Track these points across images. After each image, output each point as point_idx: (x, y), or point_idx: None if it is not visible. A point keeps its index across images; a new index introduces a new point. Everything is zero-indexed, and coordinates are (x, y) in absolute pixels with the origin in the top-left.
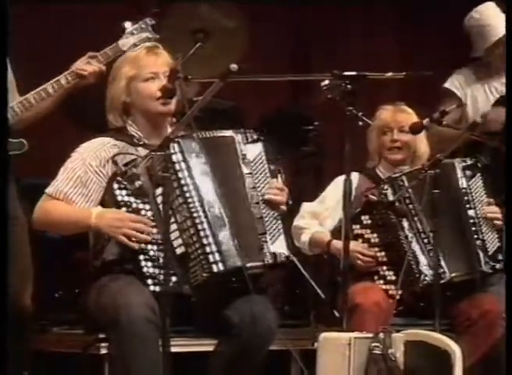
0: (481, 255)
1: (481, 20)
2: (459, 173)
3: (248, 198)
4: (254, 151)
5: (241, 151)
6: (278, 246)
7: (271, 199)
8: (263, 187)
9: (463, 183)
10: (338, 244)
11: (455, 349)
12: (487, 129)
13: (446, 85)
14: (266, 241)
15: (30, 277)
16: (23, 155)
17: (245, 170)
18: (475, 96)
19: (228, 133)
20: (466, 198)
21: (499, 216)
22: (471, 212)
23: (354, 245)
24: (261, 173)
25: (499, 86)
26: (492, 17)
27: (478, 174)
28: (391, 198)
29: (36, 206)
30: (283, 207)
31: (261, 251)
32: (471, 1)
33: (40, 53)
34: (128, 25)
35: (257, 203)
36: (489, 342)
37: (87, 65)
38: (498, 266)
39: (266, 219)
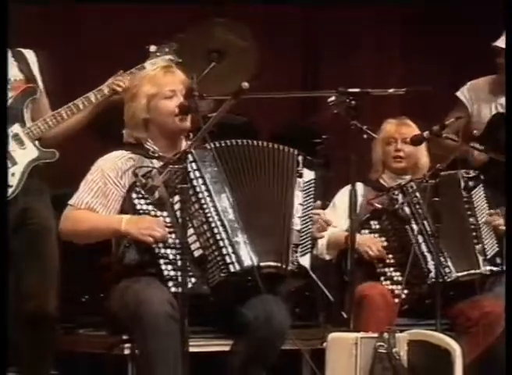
0: (480, 258)
1: None
2: (461, 184)
3: (293, 209)
4: (307, 175)
5: (298, 169)
6: (303, 261)
7: (315, 219)
8: (306, 209)
9: (464, 192)
10: (357, 238)
11: (455, 348)
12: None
13: (458, 93)
14: (296, 252)
15: (55, 288)
16: (54, 164)
17: (298, 186)
18: (480, 110)
19: (291, 149)
20: (467, 206)
21: (502, 223)
22: (471, 219)
23: (364, 238)
24: (307, 197)
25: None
26: None
27: (480, 185)
28: (401, 201)
29: (62, 217)
30: (320, 234)
31: (281, 256)
32: (479, 16)
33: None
34: (153, 48)
35: (300, 217)
36: (488, 341)
37: (122, 81)
38: (496, 269)
39: (302, 234)
